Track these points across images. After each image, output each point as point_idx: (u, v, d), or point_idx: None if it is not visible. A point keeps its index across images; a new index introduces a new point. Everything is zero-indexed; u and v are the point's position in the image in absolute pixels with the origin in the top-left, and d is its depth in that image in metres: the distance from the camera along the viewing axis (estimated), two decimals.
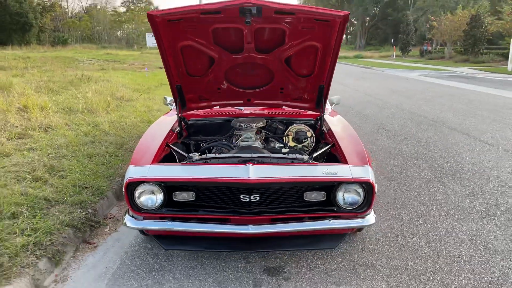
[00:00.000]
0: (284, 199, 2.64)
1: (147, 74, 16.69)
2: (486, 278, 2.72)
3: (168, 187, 2.61)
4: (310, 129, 3.61)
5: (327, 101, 4.30)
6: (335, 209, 2.65)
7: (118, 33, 66.95)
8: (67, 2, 75.48)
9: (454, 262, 2.91)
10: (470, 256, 2.99)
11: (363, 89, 13.92)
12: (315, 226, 2.62)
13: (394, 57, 39.32)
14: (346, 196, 2.64)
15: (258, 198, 2.56)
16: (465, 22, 30.42)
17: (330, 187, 2.63)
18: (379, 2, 64.14)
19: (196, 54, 3.05)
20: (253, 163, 2.65)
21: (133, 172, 2.62)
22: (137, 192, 2.60)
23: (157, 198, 2.60)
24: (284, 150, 3.21)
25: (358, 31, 70.94)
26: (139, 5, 73.44)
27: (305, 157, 2.88)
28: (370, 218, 2.71)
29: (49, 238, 2.96)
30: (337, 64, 3.12)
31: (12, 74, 13.52)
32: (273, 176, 2.55)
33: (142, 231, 3.09)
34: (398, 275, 2.76)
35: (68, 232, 3.13)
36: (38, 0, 56.31)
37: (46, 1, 60.01)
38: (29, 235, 2.94)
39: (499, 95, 11.99)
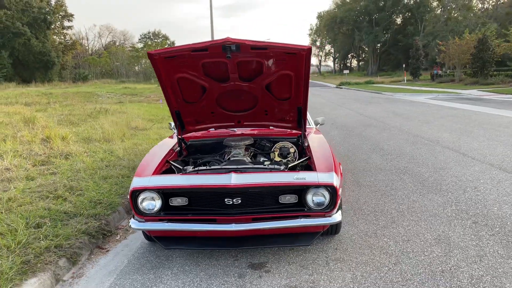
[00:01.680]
0: (262, 202, 3.14)
1: (161, 106, 17.56)
2: (440, 268, 3.13)
3: (165, 193, 3.14)
4: (293, 145, 4.12)
5: (313, 121, 4.84)
6: (306, 210, 3.13)
7: (136, 67, 69.30)
8: (87, 40, 78.69)
9: (415, 256, 3.33)
10: (430, 252, 3.40)
11: (367, 113, 14.41)
12: (289, 224, 3.09)
13: (405, 81, 39.81)
14: (314, 198, 3.13)
15: (240, 201, 3.06)
16: (473, 45, 30.85)
17: (301, 190, 3.12)
18: (389, 29, 65.26)
19: (190, 84, 3.64)
20: (236, 172, 3.18)
21: (136, 182, 3.17)
22: (139, 199, 3.13)
23: (156, 203, 3.13)
24: (266, 163, 3.73)
25: (370, 58, 71.87)
26: (155, 40, 76.23)
27: (282, 167, 3.39)
28: (336, 216, 3.17)
29: (68, 242, 3.50)
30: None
31: (36, 109, 14.52)
32: (251, 181, 3.06)
33: (146, 235, 3.61)
34: (364, 267, 3.20)
35: (84, 238, 3.66)
36: (60, 39, 59.22)
37: (68, 40, 63.01)
38: (51, 240, 3.49)
39: (500, 114, 12.32)
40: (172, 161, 3.81)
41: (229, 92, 3.76)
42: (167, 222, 3.13)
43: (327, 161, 3.41)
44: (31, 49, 45.36)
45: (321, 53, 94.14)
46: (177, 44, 74.26)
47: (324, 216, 3.15)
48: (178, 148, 4.08)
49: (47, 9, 49.35)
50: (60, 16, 58.85)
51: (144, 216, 3.16)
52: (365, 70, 74.43)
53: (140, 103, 19.20)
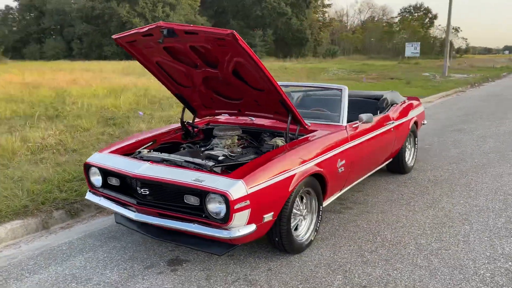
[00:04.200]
0: (167, 198, 2.95)
1: (364, 81, 17.39)
2: None
3: (105, 172, 3.34)
4: (282, 141, 3.57)
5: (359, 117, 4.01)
6: (203, 216, 2.78)
7: (388, 44, 67.62)
8: (347, 16, 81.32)
9: None
10: None
11: None
12: (179, 226, 2.81)
13: None
14: (212, 205, 2.73)
15: (147, 192, 2.98)
16: None
17: (201, 194, 2.78)
18: None
19: (171, 68, 3.61)
20: (152, 162, 3.09)
21: (91, 157, 3.48)
22: (90, 173, 3.45)
23: (99, 179, 3.38)
24: (220, 158, 3.40)
25: None
26: (415, 14, 72.17)
27: (210, 163, 3.06)
28: (234, 232, 2.68)
29: (77, 199, 4.16)
30: None
31: None
32: (153, 175, 2.93)
33: None
34: None
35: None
36: (318, 17, 63.39)
37: (326, 17, 66.83)
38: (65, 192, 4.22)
39: None
40: (166, 142, 3.92)
41: (210, 79, 3.55)
42: (101, 198, 3.35)
43: (258, 166, 2.87)
44: (290, 27, 50.53)
45: None
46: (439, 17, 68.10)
47: (220, 227, 2.73)
48: (183, 132, 4.12)
49: None
50: None
51: (93, 189, 3.46)
52: None
53: (352, 81, 19.01)
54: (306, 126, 3.66)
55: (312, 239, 3.39)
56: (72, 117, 7.95)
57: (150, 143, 3.81)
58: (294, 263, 3.11)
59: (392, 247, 3.35)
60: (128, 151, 3.57)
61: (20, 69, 19.99)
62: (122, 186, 3.24)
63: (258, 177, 2.78)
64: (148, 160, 3.19)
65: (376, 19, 76.73)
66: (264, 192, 2.79)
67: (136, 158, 3.38)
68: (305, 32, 51.41)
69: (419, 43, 40.58)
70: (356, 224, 3.82)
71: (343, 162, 3.64)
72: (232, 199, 2.61)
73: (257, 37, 48.08)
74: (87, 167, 3.42)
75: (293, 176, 2.99)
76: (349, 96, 5.31)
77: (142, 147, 3.67)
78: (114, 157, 3.41)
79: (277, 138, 3.65)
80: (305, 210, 3.35)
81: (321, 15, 65.69)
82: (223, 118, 4.41)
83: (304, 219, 3.39)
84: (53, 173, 4.67)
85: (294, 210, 3.20)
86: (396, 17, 74.31)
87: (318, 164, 3.32)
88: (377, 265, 3.07)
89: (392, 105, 5.07)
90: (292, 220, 3.22)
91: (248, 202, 2.69)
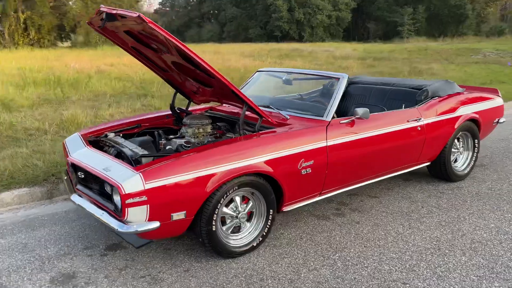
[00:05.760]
0: (97, 183, 2.99)
1: (509, 64, 14.76)
2: None
3: None
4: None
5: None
6: (111, 207, 2.75)
7: None
8: None
9: None
10: None
11: None
12: (92, 211, 2.80)
13: None
14: (115, 197, 2.69)
15: (82, 175, 3.08)
16: None
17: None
18: None
19: (145, 52, 3.59)
20: (90, 146, 3.18)
21: (69, 137, 3.70)
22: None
23: None
24: (168, 147, 3.28)
25: None
26: None
27: (141, 152, 3.00)
28: (131, 227, 2.57)
29: None
30: None
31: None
32: (77, 159, 3.03)
33: None
34: None
35: None
36: None
37: None
38: None
39: None
40: (157, 127, 3.94)
41: (177, 64, 3.42)
42: None
43: (172, 161, 2.71)
44: (446, 2, 45.14)
45: None
46: None
47: (118, 219, 2.66)
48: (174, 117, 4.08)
49: None
50: None
51: None
52: None
53: (484, 64, 16.28)
54: (270, 119, 3.30)
55: (255, 245, 3.07)
56: (157, 97, 8.58)
57: (134, 126, 3.87)
58: (217, 268, 2.88)
59: (340, 270, 2.82)
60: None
61: None
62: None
63: (163, 172, 2.62)
64: (93, 144, 3.30)
65: None
66: (170, 189, 2.62)
67: (99, 140, 3.49)
68: (464, 7, 45.32)
69: None
70: (328, 235, 3.32)
71: (310, 162, 3.17)
72: (124, 193, 2.52)
73: (405, 15, 44.32)
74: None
75: (212, 175, 2.73)
76: (390, 84, 4.62)
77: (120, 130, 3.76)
78: (77, 139, 3.52)
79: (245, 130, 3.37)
80: (244, 213, 3.03)
81: None
82: (224, 107, 4.21)
83: (248, 222, 3.10)
84: None
85: (227, 211, 2.95)
86: None
87: (267, 163, 2.96)
88: (303, 287, 2.64)
89: (432, 97, 4.18)
90: (228, 221, 3.00)
91: (145, 197, 2.56)
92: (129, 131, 3.83)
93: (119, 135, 3.62)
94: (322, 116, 3.43)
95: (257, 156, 2.93)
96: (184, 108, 4.07)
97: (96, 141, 3.52)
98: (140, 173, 2.58)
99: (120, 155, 3.13)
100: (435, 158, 4.24)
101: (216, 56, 18.02)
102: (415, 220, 3.56)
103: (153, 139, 3.61)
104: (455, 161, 4.50)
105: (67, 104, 7.82)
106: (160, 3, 62.32)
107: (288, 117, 3.50)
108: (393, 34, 43.14)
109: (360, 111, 3.39)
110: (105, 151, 3.30)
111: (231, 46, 27.98)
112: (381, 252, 3.04)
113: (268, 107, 3.73)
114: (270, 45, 27.19)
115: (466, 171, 4.50)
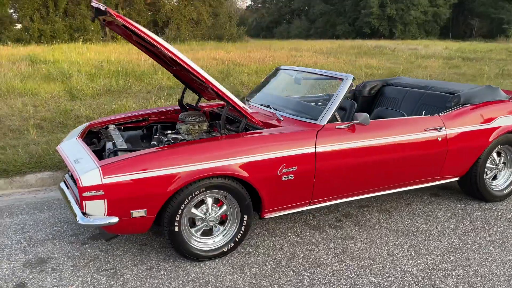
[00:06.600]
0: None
1: None
2: None
3: None
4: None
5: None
6: None
7: None
8: None
9: None
10: None
11: None
12: (67, 198, 2.89)
13: None
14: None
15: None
16: None
17: None
18: None
19: (148, 47, 3.60)
20: (79, 137, 3.28)
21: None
22: None
23: None
24: (153, 142, 3.25)
25: None
26: None
27: (120, 146, 3.04)
28: (88, 220, 2.59)
29: None
30: None
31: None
32: (62, 149, 3.15)
33: None
34: None
35: None
36: None
37: None
38: None
39: None
40: (165, 122, 3.96)
41: (174, 61, 3.40)
42: None
43: (136, 157, 2.68)
44: None
45: None
46: None
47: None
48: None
49: None
50: None
51: None
52: None
53: None
54: (255, 120, 3.12)
55: (225, 250, 2.93)
56: None
57: (142, 119, 3.93)
58: (179, 270, 2.80)
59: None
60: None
61: (245, 47, 22.51)
62: None
63: (123, 168, 2.61)
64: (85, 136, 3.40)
65: None
66: (129, 186, 2.60)
67: (98, 132, 3.60)
68: None
69: None
70: (311, 248, 3.07)
71: (293, 169, 2.94)
72: (81, 186, 2.56)
73: None
74: None
75: (175, 175, 2.65)
76: (427, 88, 4.18)
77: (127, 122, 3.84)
78: (79, 129, 3.63)
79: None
80: (214, 216, 2.90)
81: None
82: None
83: (222, 226, 2.97)
84: None
85: (197, 213, 2.86)
86: None
87: (242, 166, 2.81)
88: None
89: (464, 104, 3.65)
90: (198, 223, 2.91)
91: (101, 192, 2.57)
92: (136, 124, 3.90)
93: (120, 128, 3.70)
94: (316, 120, 3.16)
95: (229, 158, 2.78)
96: (193, 104, 4.04)
97: (97, 132, 3.63)
98: (100, 167, 2.59)
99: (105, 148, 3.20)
100: (465, 173, 3.70)
101: (292, 52, 17.85)
102: (419, 242, 3.14)
103: (143, 134, 3.63)
104: (494, 178, 3.90)
105: (125, 95, 8.26)
106: (252, 0, 63.53)
107: (282, 118, 3.29)
108: (498, 33, 39.21)
109: (359, 116, 3.07)
110: (98, 143, 3.40)
111: (315, 43, 27.49)
112: (359, 274, 2.72)
113: (267, 106, 3.56)
114: (354, 42, 26.29)
115: (506, 191, 3.87)
